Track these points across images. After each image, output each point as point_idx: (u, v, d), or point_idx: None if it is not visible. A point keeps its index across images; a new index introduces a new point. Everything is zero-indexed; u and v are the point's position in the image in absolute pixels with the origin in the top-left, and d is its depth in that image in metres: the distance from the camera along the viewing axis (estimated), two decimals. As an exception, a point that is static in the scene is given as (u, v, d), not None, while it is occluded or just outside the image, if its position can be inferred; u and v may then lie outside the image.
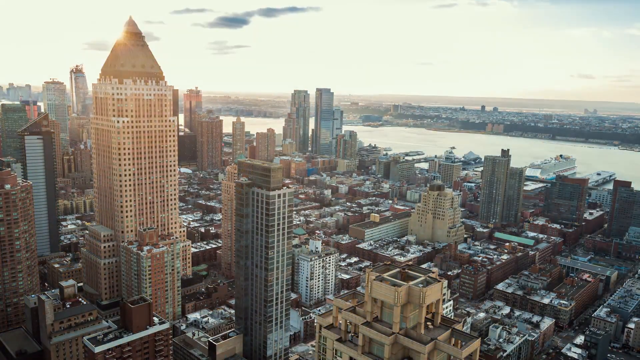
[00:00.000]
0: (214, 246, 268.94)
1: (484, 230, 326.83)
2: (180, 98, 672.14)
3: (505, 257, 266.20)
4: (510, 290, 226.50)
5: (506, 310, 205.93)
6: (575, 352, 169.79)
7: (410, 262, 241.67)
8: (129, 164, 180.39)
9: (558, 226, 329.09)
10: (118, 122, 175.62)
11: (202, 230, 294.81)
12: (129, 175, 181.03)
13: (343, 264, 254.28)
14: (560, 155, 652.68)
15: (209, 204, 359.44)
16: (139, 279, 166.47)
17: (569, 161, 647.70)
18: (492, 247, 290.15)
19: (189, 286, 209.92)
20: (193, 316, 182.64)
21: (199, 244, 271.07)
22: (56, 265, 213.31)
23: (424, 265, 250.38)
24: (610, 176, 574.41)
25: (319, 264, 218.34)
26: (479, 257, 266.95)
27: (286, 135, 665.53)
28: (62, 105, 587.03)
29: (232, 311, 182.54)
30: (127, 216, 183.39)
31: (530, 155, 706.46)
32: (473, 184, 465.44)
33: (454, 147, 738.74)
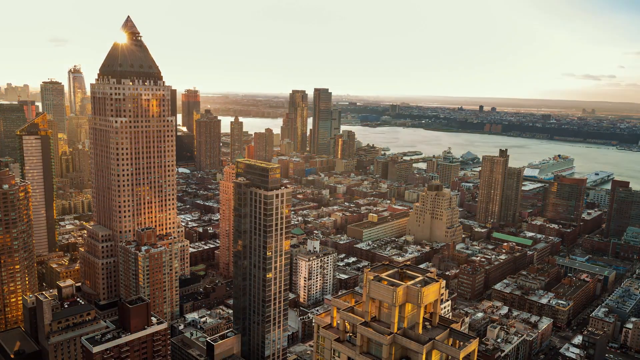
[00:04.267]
0: (212, 246, 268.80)
1: (482, 230, 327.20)
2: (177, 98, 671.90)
3: (503, 257, 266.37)
4: (508, 290, 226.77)
5: (504, 310, 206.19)
6: (573, 352, 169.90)
7: (408, 262, 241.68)
8: (127, 164, 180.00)
9: (556, 226, 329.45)
10: (116, 122, 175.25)
11: (200, 230, 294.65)
12: (127, 175, 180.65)
13: (341, 264, 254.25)
14: (559, 155, 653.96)
15: (207, 203, 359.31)
16: (137, 278, 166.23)
17: (567, 161, 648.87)
18: (490, 247, 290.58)
19: (187, 286, 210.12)
20: (191, 316, 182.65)
21: (197, 243, 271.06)
22: (54, 265, 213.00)
23: (422, 265, 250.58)
24: (609, 176, 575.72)
25: (317, 264, 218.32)
26: (477, 257, 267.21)
27: (284, 135, 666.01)
28: (60, 105, 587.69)
29: (230, 311, 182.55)
30: (125, 216, 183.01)
31: (528, 154, 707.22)
32: (471, 184, 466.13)
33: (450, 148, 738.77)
